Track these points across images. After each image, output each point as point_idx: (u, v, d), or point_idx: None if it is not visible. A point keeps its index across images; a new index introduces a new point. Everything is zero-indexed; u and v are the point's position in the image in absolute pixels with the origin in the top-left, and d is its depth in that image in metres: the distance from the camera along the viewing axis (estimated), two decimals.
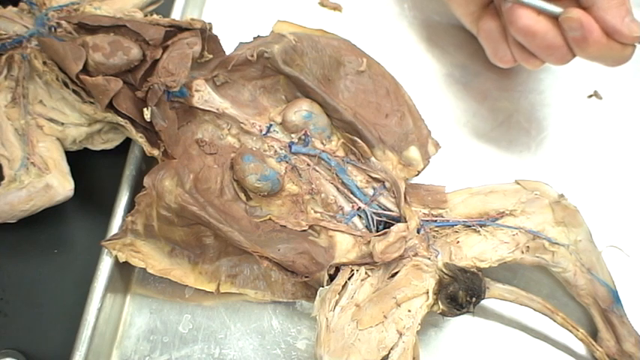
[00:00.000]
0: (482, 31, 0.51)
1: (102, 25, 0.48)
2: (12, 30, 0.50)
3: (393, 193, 0.47)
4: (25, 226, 0.49)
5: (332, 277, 0.45)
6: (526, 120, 0.56)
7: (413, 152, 0.49)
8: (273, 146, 0.48)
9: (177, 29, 0.48)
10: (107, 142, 0.51)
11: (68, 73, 0.47)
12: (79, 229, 0.51)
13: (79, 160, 0.50)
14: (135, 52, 0.47)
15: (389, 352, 0.43)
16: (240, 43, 0.50)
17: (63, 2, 0.51)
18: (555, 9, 0.46)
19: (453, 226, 0.47)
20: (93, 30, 0.49)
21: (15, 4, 0.51)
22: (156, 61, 0.47)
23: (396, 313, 0.44)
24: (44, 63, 0.49)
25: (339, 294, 0.44)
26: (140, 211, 0.46)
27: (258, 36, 0.50)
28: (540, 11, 0.47)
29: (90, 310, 0.45)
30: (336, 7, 0.60)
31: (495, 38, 0.50)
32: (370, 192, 0.47)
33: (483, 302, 0.46)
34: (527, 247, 0.47)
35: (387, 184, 0.48)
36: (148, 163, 0.50)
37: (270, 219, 0.47)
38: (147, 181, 0.45)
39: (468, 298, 0.45)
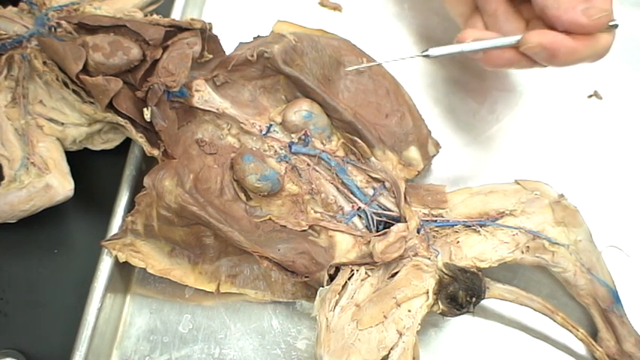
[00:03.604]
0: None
1: (102, 25, 0.48)
2: (12, 30, 0.50)
3: (393, 193, 0.47)
4: (25, 226, 0.49)
5: (332, 277, 0.45)
6: (526, 120, 0.56)
7: (413, 152, 0.49)
8: (273, 146, 0.48)
9: (177, 29, 0.48)
10: (107, 142, 0.51)
11: (68, 73, 0.47)
12: (79, 229, 0.51)
13: (79, 160, 0.50)
14: (135, 52, 0.47)
15: (389, 352, 0.43)
16: (240, 43, 0.50)
17: (63, 2, 0.51)
18: (513, 39, 0.44)
19: (453, 226, 0.47)
20: (93, 30, 0.49)
21: (15, 4, 0.51)
22: (156, 61, 0.47)
23: (396, 313, 0.44)
24: (44, 63, 0.49)
25: (339, 294, 0.44)
26: (140, 211, 0.46)
27: (258, 36, 0.51)
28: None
29: (90, 310, 0.45)
30: (336, 7, 0.60)
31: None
32: (370, 192, 0.47)
33: (483, 302, 0.46)
34: (527, 247, 0.47)
35: (387, 184, 0.48)
36: (148, 163, 0.50)
37: (270, 219, 0.47)
38: (147, 181, 0.45)
39: (468, 298, 0.45)
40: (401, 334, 0.43)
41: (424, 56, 0.46)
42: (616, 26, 0.44)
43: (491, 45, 0.45)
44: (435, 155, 0.52)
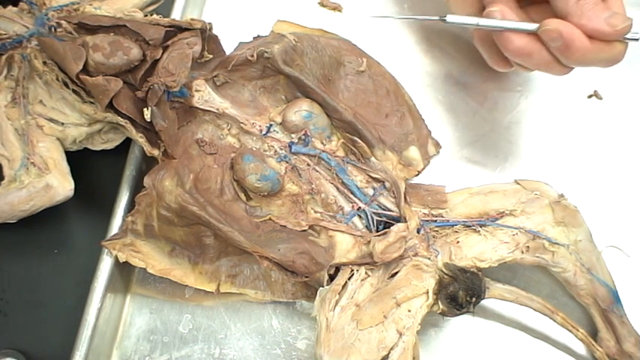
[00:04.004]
0: (477, 36, 0.51)
1: (102, 25, 0.48)
2: (12, 30, 0.50)
3: (393, 193, 0.47)
4: (25, 226, 0.49)
5: (332, 277, 0.45)
6: (526, 120, 0.56)
7: (413, 152, 0.49)
8: (273, 146, 0.48)
9: (177, 29, 0.48)
10: (107, 142, 0.51)
11: (68, 73, 0.47)
12: (79, 229, 0.51)
13: (79, 160, 0.50)
14: (135, 52, 0.47)
15: (389, 352, 0.43)
16: (240, 43, 0.50)
17: (63, 2, 0.51)
18: (531, 26, 0.45)
19: (453, 226, 0.47)
20: (93, 30, 0.49)
21: (15, 4, 0.51)
22: (156, 61, 0.47)
23: (396, 313, 0.44)
24: (44, 63, 0.49)
25: (339, 294, 0.44)
26: (140, 211, 0.46)
27: (258, 36, 0.51)
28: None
29: (90, 310, 0.45)
30: (336, 7, 0.60)
31: (490, 43, 0.49)
32: (370, 192, 0.47)
33: (483, 302, 0.46)
34: (527, 247, 0.47)
35: (387, 184, 0.48)
36: (148, 163, 0.50)
37: (270, 219, 0.47)
38: (147, 181, 0.45)
39: (468, 298, 0.45)
40: (401, 334, 0.43)
41: (441, 20, 0.47)
42: (636, 39, 0.44)
43: (508, 26, 0.45)
44: (435, 155, 0.52)
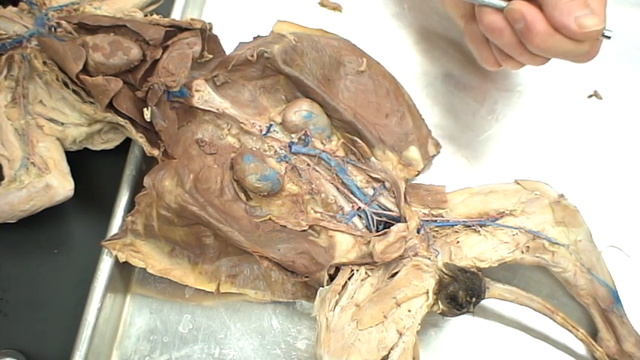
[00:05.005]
0: (467, 34, 0.51)
1: (102, 25, 0.48)
2: (12, 30, 0.50)
3: (393, 193, 0.47)
4: (25, 226, 0.49)
5: (332, 277, 0.45)
6: (526, 120, 0.56)
7: (413, 152, 0.49)
8: (273, 146, 0.48)
9: (177, 29, 0.48)
10: (107, 142, 0.51)
11: (68, 73, 0.47)
12: (79, 229, 0.51)
13: (79, 160, 0.50)
14: (135, 52, 0.47)
15: (389, 352, 0.43)
16: (240, 43, 0.50)
17: (63, 2, 0.51)
18: (500, 3, 0.44)
19: (453, 226, 0.47)
20: (93, 30, 0.49)
21: (15, 4, 0.51)
22: (156, 61, 0.47)
23: (396, 313, 0.44)
24: (44, 63, 0.49)
25: (339, 294, 0.44)
26: (140, 211, 0.46)
27: (258, 36, 0.51)
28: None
29: (90, 310, 0.45)
30: (336, 7, 0.60)
31: (479, 41, 0.49)
32: (370, 192, 0.47)
33: (483, 302, 0.46)
34: (527, 247, 0.47)
35: (387, 184, 0.48)
36: (148, 163, 0.50)
37: (270, 219, 0.47)
38: (147, 181, 0.45)
39: (468, 298, 0.45)
40: (401, 334, 0.43)
41: None
42: (608, 37, 0.43)
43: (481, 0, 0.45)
44: (435, 155, 0.52)
